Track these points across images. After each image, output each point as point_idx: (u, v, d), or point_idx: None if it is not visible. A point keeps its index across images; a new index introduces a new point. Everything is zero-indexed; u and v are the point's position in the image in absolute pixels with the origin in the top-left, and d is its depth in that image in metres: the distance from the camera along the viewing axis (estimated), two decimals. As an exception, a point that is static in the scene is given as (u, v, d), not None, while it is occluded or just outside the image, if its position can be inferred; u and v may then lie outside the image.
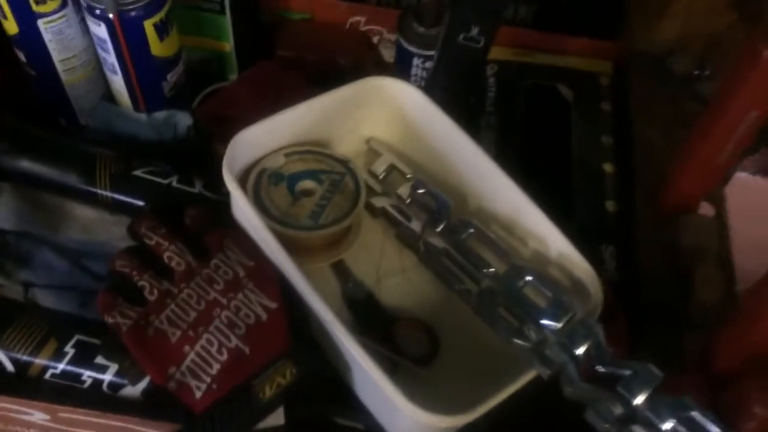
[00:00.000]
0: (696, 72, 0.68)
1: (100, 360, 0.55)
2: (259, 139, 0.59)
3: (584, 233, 0.60)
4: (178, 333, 0.51)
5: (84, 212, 0.68)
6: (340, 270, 0.61)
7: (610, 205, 0.70)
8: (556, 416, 0.54)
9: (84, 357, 0.55)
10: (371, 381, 0.50)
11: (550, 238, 0.58)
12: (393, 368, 0.56)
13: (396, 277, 0.62)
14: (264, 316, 0.53)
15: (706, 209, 0.65)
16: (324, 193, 0.59)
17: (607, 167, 0.73)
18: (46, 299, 0.62)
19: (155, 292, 0.53)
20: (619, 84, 0.79)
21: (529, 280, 0.54)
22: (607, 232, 0.69)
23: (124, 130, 0.75)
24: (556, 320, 0.51)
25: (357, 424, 0.55)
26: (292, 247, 0.53)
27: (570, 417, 0.48)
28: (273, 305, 0.53)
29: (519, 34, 0.82)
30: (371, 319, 0.58)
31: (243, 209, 0.55)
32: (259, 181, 0.59)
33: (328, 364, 0.54)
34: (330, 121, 0.63)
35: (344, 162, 0.62)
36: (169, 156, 0.71)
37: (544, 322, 0.52)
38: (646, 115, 0.73)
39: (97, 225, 0.68)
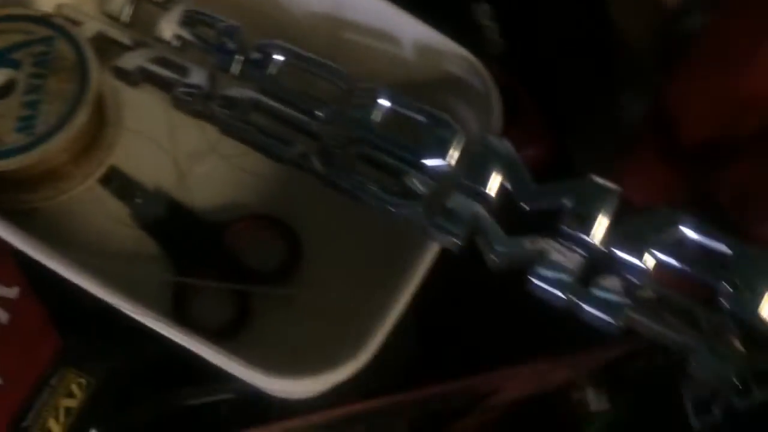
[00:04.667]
0: None
1: None
2: None
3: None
4: None
5: None
6: (117, 182, 0.39)
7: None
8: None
9: None
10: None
11: (390, 25, 0.38)
12: (244, 301, 0.37)
13: (207, 161, 0.41)
14: (4, 316, 0.32)
15: None
16: (29, 82, 0.36)
17: None
18: None
19: None
20: None
21: (385, 106, 0.35)
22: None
23: None
24: (444, 153, 0.33)
25: (222, 396, 0.37)
26: (13, 183, 0.32)
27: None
28: (13, 292, 0.33)
29: None
30: (191, 237, 0.39)
31: None
32: None
33: (147, 340, 0.35)
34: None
35: (45, 19, 0.38)
36: None
37: (430, 162, 0.33)
38: None
39: None
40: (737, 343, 0.27)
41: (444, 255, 0.34)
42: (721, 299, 0.28)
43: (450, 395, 0.41)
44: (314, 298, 0.37)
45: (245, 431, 0.37)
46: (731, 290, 0.27)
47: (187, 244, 0.39)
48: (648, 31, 0.41)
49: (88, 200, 0.39)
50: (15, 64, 0.36)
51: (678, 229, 0.29)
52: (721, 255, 0.28)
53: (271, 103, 0.37)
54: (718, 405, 0.27)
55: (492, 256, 0.31)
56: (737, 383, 0.26)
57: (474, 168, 0.32)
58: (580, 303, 0.29)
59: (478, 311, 0.41)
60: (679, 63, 0.34)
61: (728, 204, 0.29)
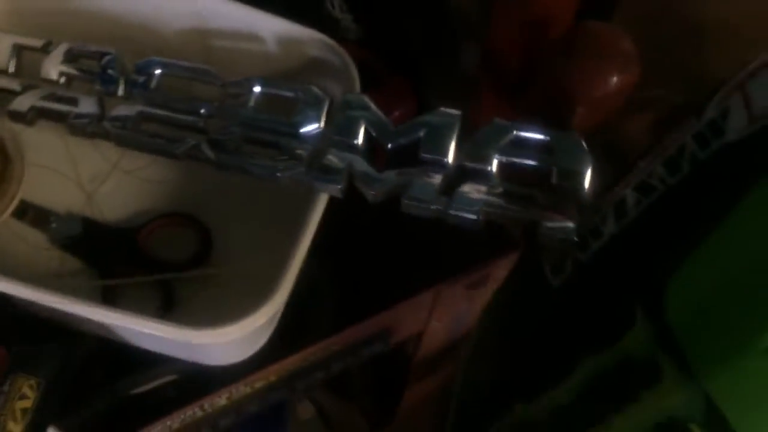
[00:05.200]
0: None
1: None
2: None
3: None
4: None
5: None
6: (29, 214, 0.43)
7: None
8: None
9: None
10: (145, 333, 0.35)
11: (252, 26, 0.44)
12: (167, 291, 0.41)
13: (111, 180, 0.45)
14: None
15: None
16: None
17: None
18: None
19: None
20: None
21: (259, 92, 0.40)
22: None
23: None
24: (315, 119, 0.38)
25: (166, 378, 0.41)
26: None
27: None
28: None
29: None
30: (108, 246, 0.43)
31: None
32: None
33: (84, 338, 0.39)
34: None
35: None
36: None
37: (304, 129, 0.39)
38: None
39: None
40: (573, 211, 0.34)
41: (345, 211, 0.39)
42: (554, 180, 0.34)
43: (368, 338, 0.46)
44: (230, 271, 0.41)
45: (195, 403, 0.41)
46: (559, 171, 0.34)
47: (106, 253, 0.42)
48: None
49: (6, 233, 0.42)
50: None
51: (513, 134, 0.35)
52: (548, 147, 0.35)
53: (158, 112, 0.42)
54: (568, 262, 0.33)
55: (370, 192, 0.37)
56: (577, 241, 0.32)
57: (341, 125, 0.38)
58: (445, 210, 0.35)
59: (382, 256, 0.46)
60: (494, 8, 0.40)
61: (545, 113, 0.36)
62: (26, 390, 0.35)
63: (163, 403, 0.41)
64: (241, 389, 0.43)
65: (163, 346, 0.38)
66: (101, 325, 0.36)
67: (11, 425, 0.34)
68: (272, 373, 0.43)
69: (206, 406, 0.42)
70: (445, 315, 0.50)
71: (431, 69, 0.48)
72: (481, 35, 0.44)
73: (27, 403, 0.35)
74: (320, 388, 0.92)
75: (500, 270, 0.46)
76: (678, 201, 0.32)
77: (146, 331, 0.34)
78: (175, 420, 0.41)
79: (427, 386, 0.71)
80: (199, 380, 0.41)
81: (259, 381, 0.43)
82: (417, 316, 0.48)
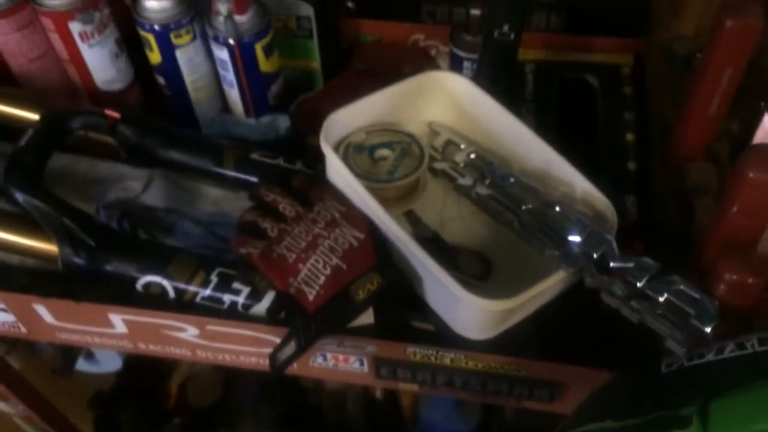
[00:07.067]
0: (697, 54, 0.83)
1: (236, 285, 0.73)
2: (345, 121, 0.78)
3: (610, 188, 0.75)
4: (294, 256, 0.70)
5: (214, 192, 0.88)
6: (411, 217, 0.78)
7: (631, 165, 0.85)
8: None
9: (224, 284, 0.74)
10: (439, 286, 0.66)
11: (575, 182, 0.74)
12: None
13: (456, 222, 0.79)
14: (355, 243, 0.71)
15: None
16: (396, 157, 0.77)
17: (629, 136, 0.88)
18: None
19: (275, 230, 0.72)
20: (637, 71, 0.94)
21: (557, 210, 0.70)
22: (629, 185, 0.83)
23: (236, 133, 0.95)
24: (579, 235, 0.67)
25: (429, 326, 0.71)
26: (373, 197, 0.71)
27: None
28: (362, 235, 0.71)
29: (551, 38, 0.99)
30: (437, 251, 0.75)
31: (336, 168, 0.74)
32: (347, 152, 0.77)
33: (405, 277, 0.71)
34: (399, 108, 0.82)
35: (411, 135, 0.80)
36: (273, 150, 0.90)
37: (570, 237, 0.68)
38: (659, 92, 0.88)
39: (223, 201, 0.88)
40: (692, 341, 0.56)
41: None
42: (691, 321, 0.57)
43: (542, 381, 0.70)
44: (495, 289, 0.71)
45: (434, 348, 0.70)
46: (697, 314, 0.57)
47: (439, 255, 0.75)
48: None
49: (395, 219, 0.77)
50: (392, 149, 0.78)
51: (681, 286, 0.59)
52: (696, 302, 0.58)
53: (501, 198, 0.74)
54: (677, 363, 0.55)
55: (588, 280, 0.64)
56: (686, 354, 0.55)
57: (592, 243, 0.66)
58: (623, 306, 0.60)
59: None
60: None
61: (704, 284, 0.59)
62: (374, 280, 0.68)
63: (421, 339, 0.71)
64: (459, 358, 0.71)
65: (440, 300, 0.69)
66: (420, 273, 0.69)
67: (360, 292, 0.68)
68: (480, 360, 0.70)
69: (437, 354, 0.71)
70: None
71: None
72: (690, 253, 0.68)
73: (372, 287, 0.68)
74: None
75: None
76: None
77: (442, 280, 0.65)
78: (420, 351, 0.71)
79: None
80: (442, 337, 0.70)
81: (471, 360, 0.71)
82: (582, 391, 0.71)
